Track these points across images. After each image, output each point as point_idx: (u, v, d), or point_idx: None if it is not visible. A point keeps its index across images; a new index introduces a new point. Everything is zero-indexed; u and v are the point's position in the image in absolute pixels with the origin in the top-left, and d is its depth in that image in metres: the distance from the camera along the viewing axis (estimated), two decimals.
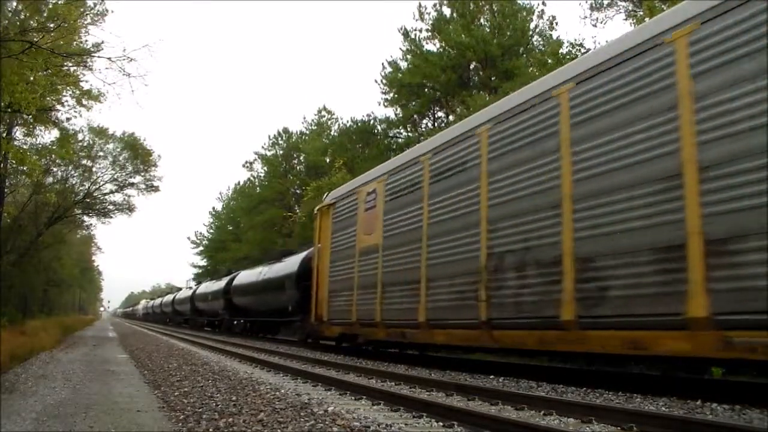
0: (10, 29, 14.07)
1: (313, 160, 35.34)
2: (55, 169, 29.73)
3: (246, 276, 25.25)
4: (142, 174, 33.66)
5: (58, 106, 17.19)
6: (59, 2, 14.69)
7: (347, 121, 30.50)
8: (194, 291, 36.54)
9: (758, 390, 6.47)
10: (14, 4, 15.46)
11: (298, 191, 37.81)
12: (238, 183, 50.71)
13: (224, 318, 28.09)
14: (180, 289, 52.45)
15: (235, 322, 26.98)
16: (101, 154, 32.47)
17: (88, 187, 33.11)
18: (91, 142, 31.41)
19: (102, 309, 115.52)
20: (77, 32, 14.79)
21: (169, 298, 50.12)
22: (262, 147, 42.61)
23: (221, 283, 29.39)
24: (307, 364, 11.26)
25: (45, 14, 14.98)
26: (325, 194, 16.00)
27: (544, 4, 23.77)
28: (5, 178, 23.66)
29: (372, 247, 12.03)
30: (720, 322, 5.59)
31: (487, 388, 6.99)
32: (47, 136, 26.69)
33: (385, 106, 26.80)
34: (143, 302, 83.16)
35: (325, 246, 14.51)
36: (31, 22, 14.99)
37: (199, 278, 51.66)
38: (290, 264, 19.29)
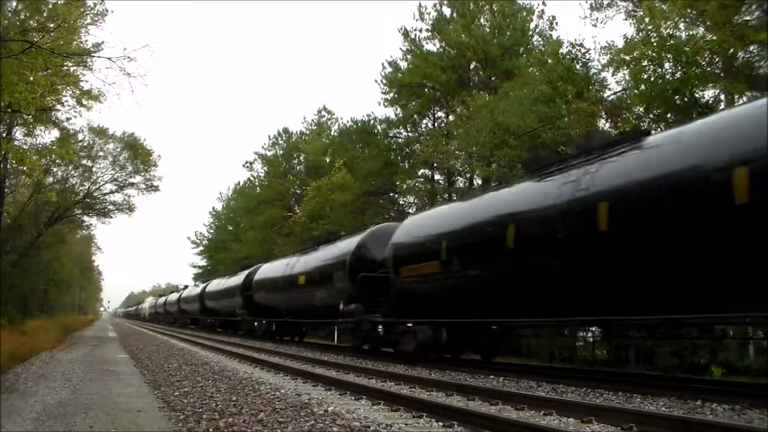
0: (10, 29, 14.05)
1: (313, 160, 35.30)
2: (55, 169, 29.65)
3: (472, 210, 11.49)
4: (142, 174, 33.61)
5: (58, 106, 17.15)
6: (59, 2, 14.66)
7: (347, 121, 30.49)
8: (249, 275, 24.68)
9: (758, 390, 6.48)
10: (14, 4, 15.45)
11: (298, 191, 37.75)
12: (238, 183, 50.60)
13: (359, 320, 14.49)
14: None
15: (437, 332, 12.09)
16: (101, 154, 32.44)
17: (88, 187, 33.09)
18: (91, 142, 31.38)
19: (102, 309, 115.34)
20: (77, 32, 14.75)
21: (193, 291, 38.18)
22: (262, 147, 42.48)
23: (339, 250, 16.36)
24: (307, 364, 11.26)
25: (45, 14, 14.95)
26: None
27: (544, 4, 23.58)
28: (5, 178, 23.63)
29: None
30: None
31: (487, 388, 6.99)
32: (47, 136, 26.65)
33: (385, 106, 26.78)
34: (150, 299, 75.60)
35: None
36: (31, 22, 14.96)
37: (198, 278, 51.45)
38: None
